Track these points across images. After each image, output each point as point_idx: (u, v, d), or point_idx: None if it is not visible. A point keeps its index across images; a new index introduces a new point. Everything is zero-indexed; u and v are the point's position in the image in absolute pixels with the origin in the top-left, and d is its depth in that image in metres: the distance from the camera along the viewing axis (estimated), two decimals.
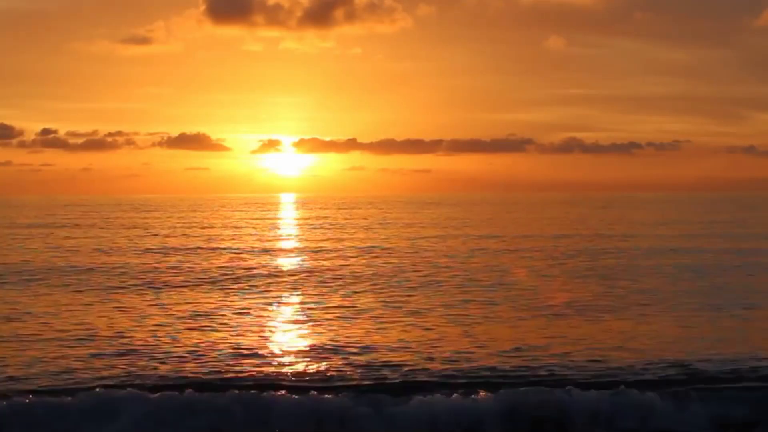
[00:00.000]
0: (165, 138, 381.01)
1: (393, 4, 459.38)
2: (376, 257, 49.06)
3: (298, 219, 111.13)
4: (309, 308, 29.19)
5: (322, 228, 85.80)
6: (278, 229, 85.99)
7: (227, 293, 33.08)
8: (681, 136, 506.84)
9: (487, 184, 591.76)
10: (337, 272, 40.58)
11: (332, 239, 66.97)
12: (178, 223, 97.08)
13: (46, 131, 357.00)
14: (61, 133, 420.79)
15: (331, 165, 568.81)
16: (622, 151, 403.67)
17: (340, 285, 35.49)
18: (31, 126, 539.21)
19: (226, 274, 39.47)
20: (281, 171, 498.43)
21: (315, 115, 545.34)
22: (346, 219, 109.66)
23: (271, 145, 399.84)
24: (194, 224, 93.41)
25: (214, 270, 41.45)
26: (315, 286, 35.19)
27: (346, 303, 30.23)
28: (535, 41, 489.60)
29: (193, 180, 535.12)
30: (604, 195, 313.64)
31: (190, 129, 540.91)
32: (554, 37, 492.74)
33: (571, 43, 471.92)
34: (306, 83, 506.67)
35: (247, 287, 34.81)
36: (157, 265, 44.01)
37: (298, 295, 32.86)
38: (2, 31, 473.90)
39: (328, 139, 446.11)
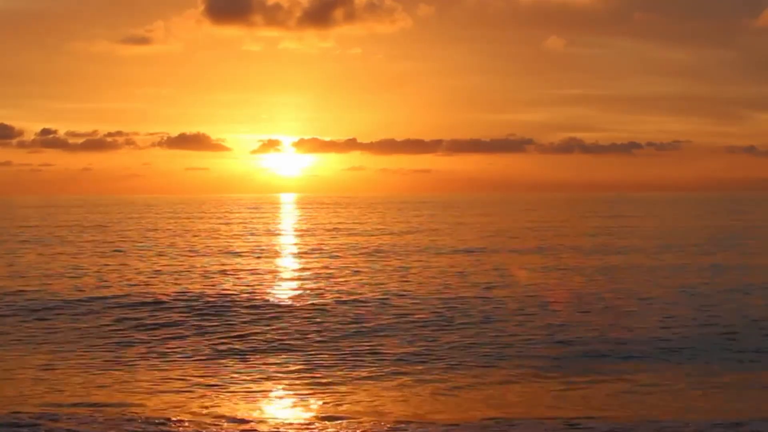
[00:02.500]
0: (165, 138, 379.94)
1: (393, 4, 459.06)
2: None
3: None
4: None
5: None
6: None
7: None
8: (681, 136, 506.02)
9: (487, 184, 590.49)
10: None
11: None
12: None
13: (45, 131, 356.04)
14: (61, 133, 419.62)
15: (331, 165, 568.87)
16: (622, 151, 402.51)
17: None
18: (30, 126, 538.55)
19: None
20: (281, 171, 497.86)
21: (315, 115, 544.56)
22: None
23: (271, 145, 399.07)
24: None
25: None
26: None
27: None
28: (535, 41, 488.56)
29: (193, 180, 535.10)
30: (611, 195, 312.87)
31: (190, 129, 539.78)
32: (554, 37, 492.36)
33: (571, 43, 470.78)
34: (306, 83, 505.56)
35: None
36: None
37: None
38: (2, 31, 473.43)
39: (327, 139, 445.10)
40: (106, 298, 33.24)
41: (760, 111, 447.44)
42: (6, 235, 74.10)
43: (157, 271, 43.09)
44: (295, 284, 38.54)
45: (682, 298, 33.23)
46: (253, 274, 42.75)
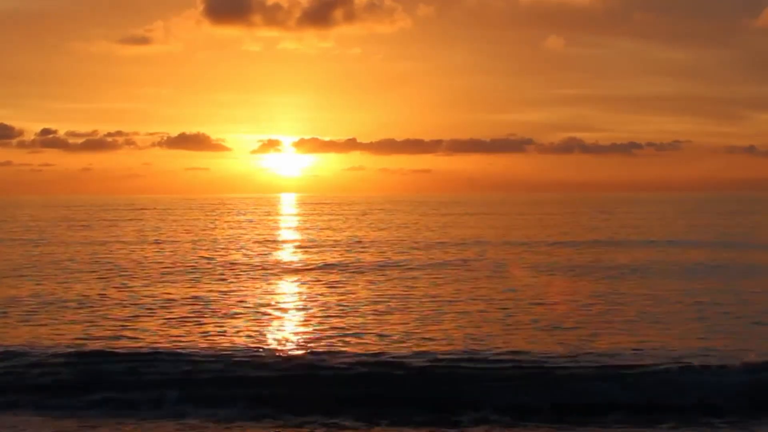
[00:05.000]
0: (165, 138, 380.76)
1: (392, 5, 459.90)
2: None
3: None
4: None
5: None
6: None
7: None
8: (681, 136, 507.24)
9: (487, 184, 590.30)
10: None
11: None
12: None
13: (45, 131, 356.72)
14: (61, 133, 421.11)
15: (331, 165, 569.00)
16: (622, 151, 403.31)
17: None
18: (31, 126, 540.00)
19: None
20: (281, 171, 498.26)
21: (315, 115, 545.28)
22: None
23: (271, 145, 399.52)
24: None
25: None
26: None
27: None
28: (534, 41, 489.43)
29: (193, 180, 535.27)
30: (610, 196, 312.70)
31: (190, 129, 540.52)
32: (553, 37, 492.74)
33: (571, 43, 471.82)
34: (305, 83, 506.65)
35: None
36: None
37: None
38: (2, 31, 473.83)
39: (327, 139, 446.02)
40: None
41: (760, 111, 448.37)
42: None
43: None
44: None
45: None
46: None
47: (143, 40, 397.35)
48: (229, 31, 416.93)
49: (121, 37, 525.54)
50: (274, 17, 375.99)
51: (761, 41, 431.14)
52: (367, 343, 23.45)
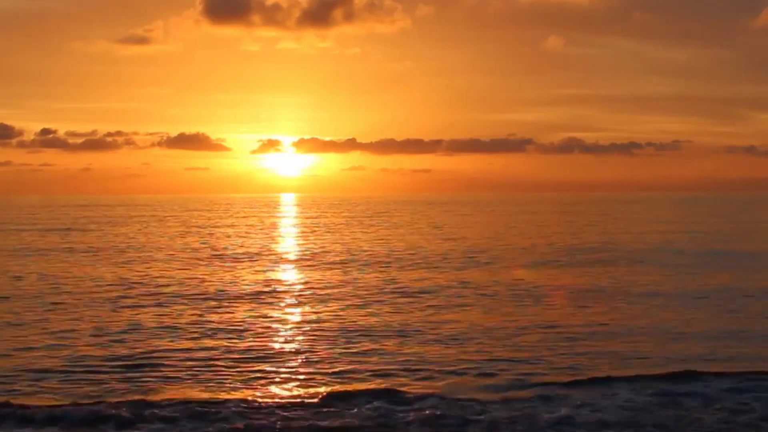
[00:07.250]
0: (165, 138, 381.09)
1: (392, 5, 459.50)
2: None
3: None
4: None
5: None
6: None
7: None
8: (681, 136, 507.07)
9: (487, 184, 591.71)
10: None
11: None
12: None
13: (45, 131, 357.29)
14: (61, 133, 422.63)
15: (331, 165, 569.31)
16: (622, 151, 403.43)
17: None
18: (30, 126, 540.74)
19: None
20: (281, 171, 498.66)
21: (315, 115, 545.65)
22: None
23: (271, 145, 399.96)
24: None
25: None
26: None
27: None
28: (534, 41, 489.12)
29: (193, 180, 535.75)
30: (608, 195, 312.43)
31: (190, 129, 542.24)
32: (553, 37, 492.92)
33: (571, 43, 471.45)
34: (305, 83, 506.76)
35: None
36: None
37: None
38: (2, 31, 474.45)
39: (327, 139, 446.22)
40: None
41: (760, 111, 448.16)
42: None
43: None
44: None
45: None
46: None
47: (143, 40, 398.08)
48: (229, 31, 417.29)
49: (121, 37, 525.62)
50: (273, 17, 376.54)
51: (761, 41, 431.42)
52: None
